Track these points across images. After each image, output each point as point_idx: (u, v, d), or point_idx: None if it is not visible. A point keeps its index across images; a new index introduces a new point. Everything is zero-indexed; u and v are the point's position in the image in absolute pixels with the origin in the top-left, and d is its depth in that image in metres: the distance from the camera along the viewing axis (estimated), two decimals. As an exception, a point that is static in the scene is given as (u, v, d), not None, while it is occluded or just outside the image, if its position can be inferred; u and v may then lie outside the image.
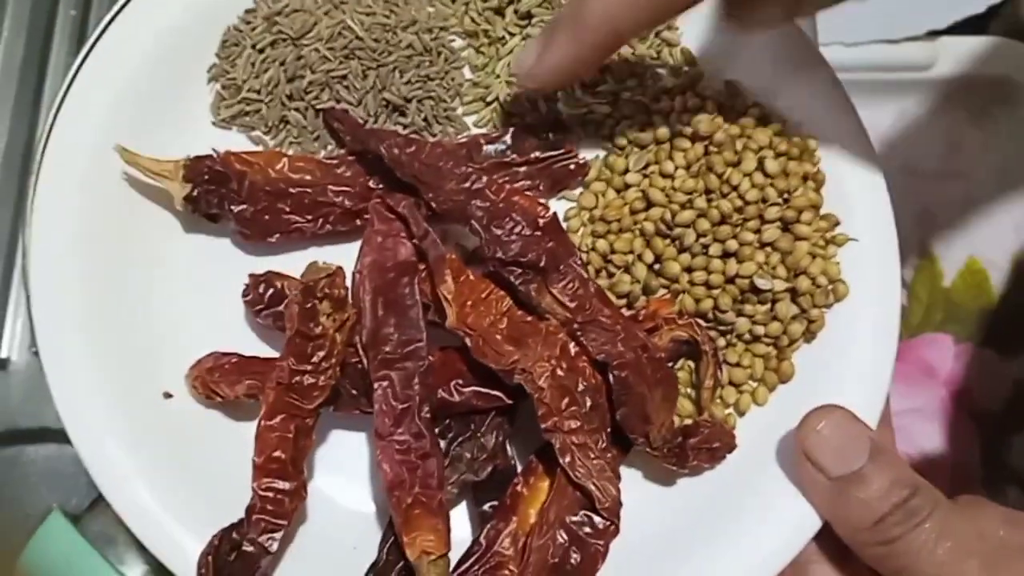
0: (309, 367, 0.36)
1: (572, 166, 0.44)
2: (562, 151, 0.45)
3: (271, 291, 0.41)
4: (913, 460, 0.60)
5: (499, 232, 0.39)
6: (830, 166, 0.47)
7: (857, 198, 0.46)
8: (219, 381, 0.40)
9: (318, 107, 0.45)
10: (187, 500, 0.39)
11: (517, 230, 0.39)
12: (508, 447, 0.40)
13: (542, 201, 0.42)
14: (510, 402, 0.39)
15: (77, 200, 0.41)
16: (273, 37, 0.45)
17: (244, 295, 0.41)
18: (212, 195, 0.41)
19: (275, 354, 0.41)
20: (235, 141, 0.46)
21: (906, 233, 0.64)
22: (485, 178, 0.40)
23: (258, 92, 0.45)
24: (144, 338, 0.41)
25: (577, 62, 0.39)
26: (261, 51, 0.46)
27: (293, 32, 0.45)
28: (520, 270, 0.39)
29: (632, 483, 0.42)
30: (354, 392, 0.38)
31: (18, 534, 0.45)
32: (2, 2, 0.59)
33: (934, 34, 0.66)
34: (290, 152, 0.46)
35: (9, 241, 0.57)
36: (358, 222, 0.42)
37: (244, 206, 0.41)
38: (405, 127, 0.46)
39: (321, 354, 0.36)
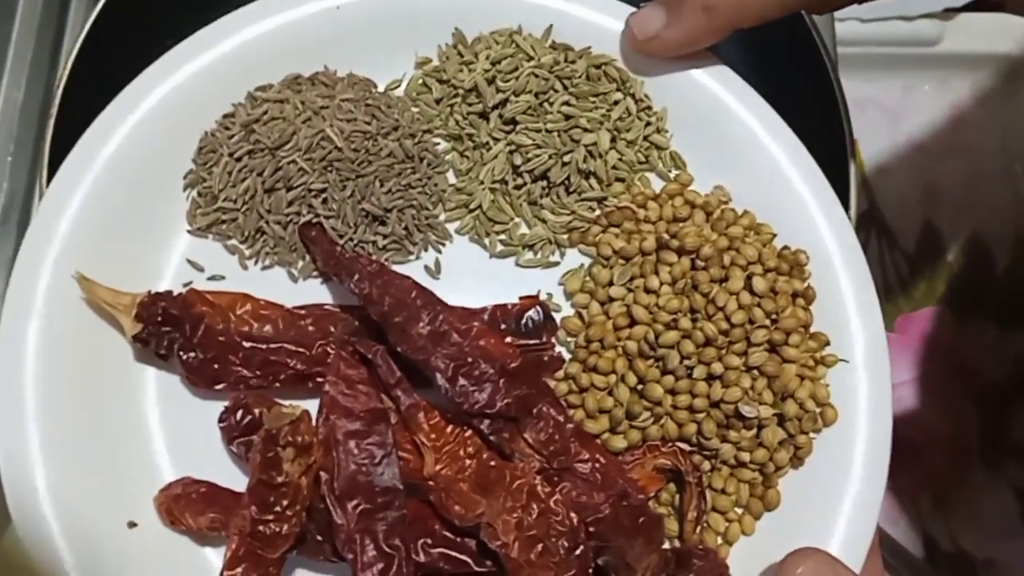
0: (272, 516, 0.35)
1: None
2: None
3: (248, 418, 0.40)
4: (912, 432, 0.60)
5: (465, 382, 0.38)
6: (822, 280, 0.45)
7: (850, 315, 0.45)
8: (184, 510, 0.39)
9: (295, 222, 0.44)
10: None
11: (485, 378, 0.38)
12: None
13: (511, 344, 0.40)
14: (478, 569, 0.38)
15: (42, 321, 0.41)
16: (250, 146, 0.44)
17: (220, 420, 0.41)
18: (163, 337, 0.40)
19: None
20: (211, 249, 0.45)
21: (911, 208, 0.65)
22: (453, 317, 0.39)
23: (234, 202, 0.44)
24: (111, 465, 0.40)
25: (695, 42, 0.44)
26: (238, 159, 0.45)
27: (271, 142, 0.44)
28: (490, 420, 0.38)
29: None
30: (319, 537, 0.37)
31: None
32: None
33: (950, 11, 0.65)
34: (266, 261, 0.45)
35: (23, 204, 0.58)
36: (309, 384, 0.41)
37: (193, 353, 0.40)
38: (385, 236, 0.45)
39: (285, 502, 0.35)
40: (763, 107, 0.48)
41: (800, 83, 0.49)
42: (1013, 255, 0.64)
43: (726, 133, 0.48)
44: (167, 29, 0.53)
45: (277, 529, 0.35)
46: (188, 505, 0.38)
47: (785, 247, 0.46)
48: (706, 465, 0.43)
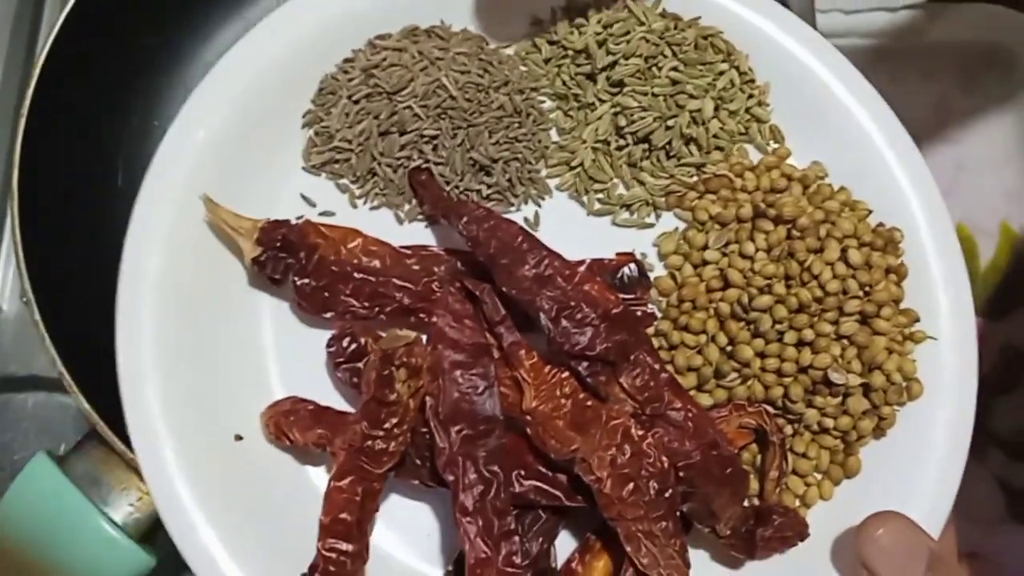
0: (381, 432, 0.37)
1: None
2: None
3: (354, 346, 0.41)
4: None
5: (567, 324, 0.39)
6: (914, 259, 0.46)
7: (940, 295, 0.46)
8: (292, 425, 0.41)
9: (406, 166, 0.46)
10: (252, 547, 0.40)
11: (587, 321, 0.39)
12: (553, 550, 0.41)
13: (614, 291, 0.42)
14: (568, 504, 0.39)
15: (166, 241, 0.43)
16: (369, 90, 0.46)
17: (328, 346, 0.42)
18: (280, 262, 0.42)
19: (348, 407, 0.42)
20: (323, 187, 0.47)
21: None
22: (558, 262, 0.40)
23: (350, 142, 0.46)
24: (222, 381, 0.43)
25: None
26: (356, 102, 0.46)
27: (389, 87, 0.46)
28: (588, 363, 0.39)
29: (697, 565, 0.42)
30: (417, 461, 0.39)
31: (6, 480, 0.46)
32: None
33: (934, 1, 0.65)
34: (375, 202, 0.47)
35: (1, 191, 0.57)
36: (412, 319, 0.42)
37: (307, 280, 0.42)
38: (489, 186, 0.47)
39: (394, 420, 0.37)
40: (866, 88, 0.49)
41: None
42: (999, 247, 0.63)
43: (826, 111, 0.49)
44: (141, 20, 0.54)
45: (384, 446, 0.37)
46: (297, 421, 0.40)
47: (880, 224, 0.47)
48: (788, 429, 0.44)
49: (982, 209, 0.64)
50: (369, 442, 0.37)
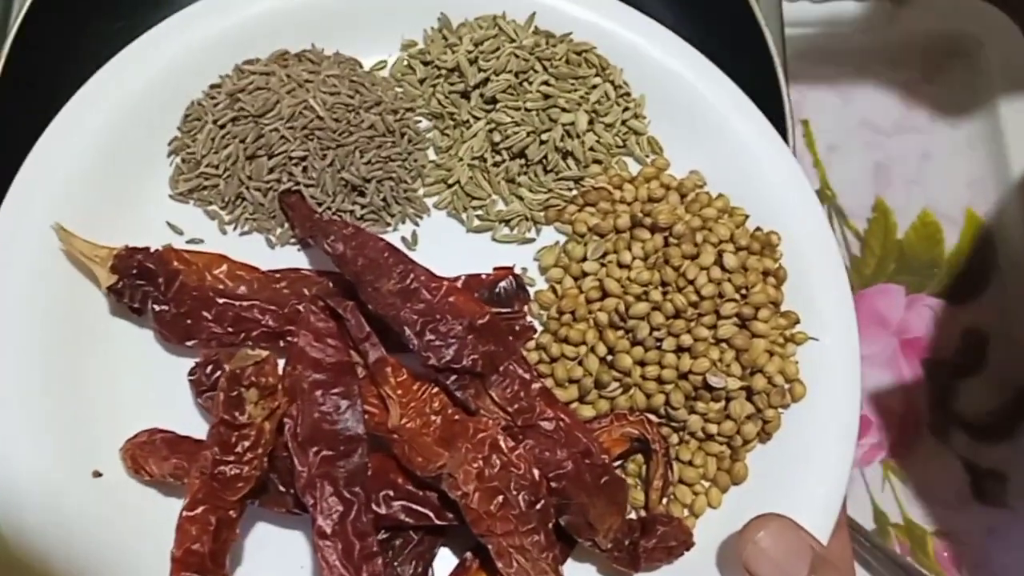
0: (232, 457, 0.35)
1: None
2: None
3: (217, 373, 0.40)
4: (864, 407, 0.61)
5: (432, 338, 0.38)
6: (794, 262, 0.46)
7: (821, 296, 0.46)
8: (148, 456, 0.39)
9: (275, 189, 0.45)
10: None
11: (452, 333, 0.38)
12: (431, 573, 0.39)
13: (481, 302, 0.41)
14: (439, 523, 0.38)
15: (26, 270, 0.41)
16: (235, 113, 0.45)
17: (191, 373, 0.41)
18: (137, 290, 0.40)
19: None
20: (192, 214, 0.46)
21: (862, 187, 0.66)
22: (424, 276, 0.39)
23: (216, 168, 0.45)
24: (84, 414, 0.41)
25: None
26: (222, 127, 0.46)
27: (254, 110, 0.45)
28: (456, 376, 0.38)
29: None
30: (281, 488, 0.37)
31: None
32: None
33: None
34: (245, 227, 0.46)
35: None
36: (281, 343, 0.41)
37: (166, 307, 0.40)
38: (363, 207, 0.46)
39: (247, 444, 0.35)
40: (739, 96, 0.49)
41: (741, 64, 0.50)
42: (962, 232, 0.65)
43: (702, 120, 0.49)
44: (106, 5, 0.54)
45: (238, 471, 0.35)
46: (152, 452, 0.38)
47: (758, 228, 0.46)
48: (674, 438, 0.43)
49: (947, 196, 0.65)
50: (221, 468, 0.35)
